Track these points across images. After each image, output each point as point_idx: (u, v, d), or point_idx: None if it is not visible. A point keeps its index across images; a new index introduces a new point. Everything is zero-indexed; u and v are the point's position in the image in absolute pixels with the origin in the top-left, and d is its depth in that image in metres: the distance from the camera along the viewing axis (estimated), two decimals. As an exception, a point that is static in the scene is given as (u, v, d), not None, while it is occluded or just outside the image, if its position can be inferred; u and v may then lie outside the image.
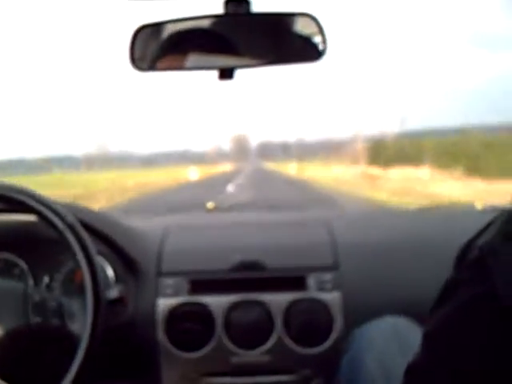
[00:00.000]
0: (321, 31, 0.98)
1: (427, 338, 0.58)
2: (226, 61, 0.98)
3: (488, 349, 0.51)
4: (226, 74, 0.98)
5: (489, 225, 0.58)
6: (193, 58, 0.98)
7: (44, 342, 1.14)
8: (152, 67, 1.00)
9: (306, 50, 1.00)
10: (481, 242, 0.56)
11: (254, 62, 0.99)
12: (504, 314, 0.49)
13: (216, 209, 2.35)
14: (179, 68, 0.99)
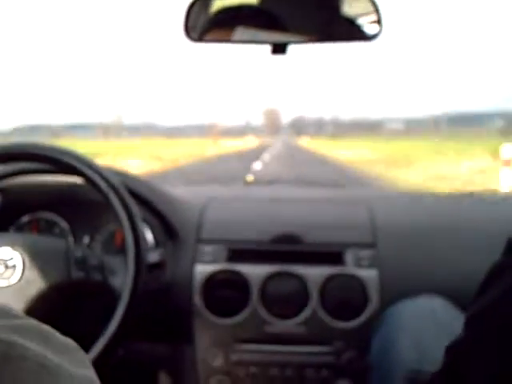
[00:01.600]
0: (376, 11, 0.98)
1: (473, 319, 0.60)
2: (274, 36, 1.00)
3: None
4: (279, 49, 1.00)
5: None
6: (241, 32, 1.00)
7: (86, 296, 1.19)
8: (201, 38, 1.03)
9: (359, 30, 1.01)
10: None
11: (303, 38, 1.01)
12: None
13: (255, 182, 2.39)
14: (227, 41, 1.02)
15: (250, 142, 68.38)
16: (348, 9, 1.01)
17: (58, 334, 0.39)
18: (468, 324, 0.60)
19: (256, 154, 30.92)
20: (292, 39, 1.00)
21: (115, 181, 1.17)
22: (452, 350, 0.62)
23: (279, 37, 1.00)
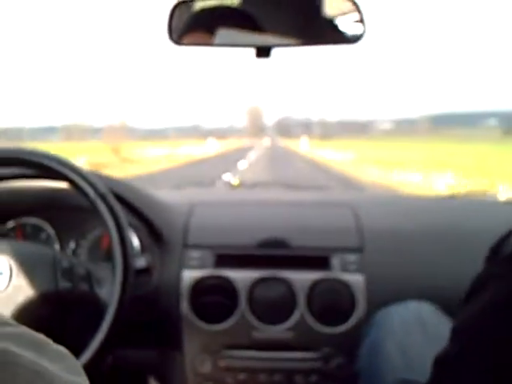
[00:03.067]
0: (359, 14, 1.00)
1: (459, 332, 0.62)
2: (256, 39, 1.01)
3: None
4: (263, 52, 1.02)
5: None
6: (222, 35, 1.02)
7: (72, 306, 1.21)
8: (184, 42, 1.05)
9: (343, 33, 1.03)
10: None
11: (283, 41, 1.02)
12: None
13: (240, 185, 2.42)
14: (209, 44, 1.04)
15: (211, 147, 55.15)
16: (332, 11, 1.03)
17: (51, 342, 0.40)
18: (454, 335, 0.62)
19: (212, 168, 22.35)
20: (274, 42, 1.01)
21: (102, 187, 1.19)
22: (439, 362, 0.63)
23: (261, 39, 1.01)
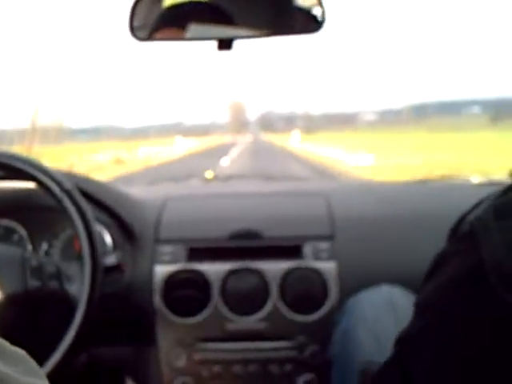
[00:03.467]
0: (320, 3, 1.03)
1: (418, 309, 0.63)
2: (225, 31, 1.04)
3: (473, 322, 0.54)
4: (225, 44, 1.04)
5: (480, 201, 0.62)
6: (191, 29, 1.04)
7: (42, 305, 1.22)
8: (151, 37, 1.07)
9: (305, 22, 1.06)
10: (472, 217, 0.61)
11: (252, 32, 1.05)
12: (490, 287, 0.52)
13: (214, 178, 2.45)
14: (178, 38, 1.05)
15: (179, 147, 45.01)
16: (295, 3, 1.06)
17: (7, 344, 0.40)
18: (416, 312, 0.63)
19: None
20: (245, 34, 1.04)
21: (68, 184, 1.21)
22: (400, 340, 0.64)
23: (232, 32, 1.04)
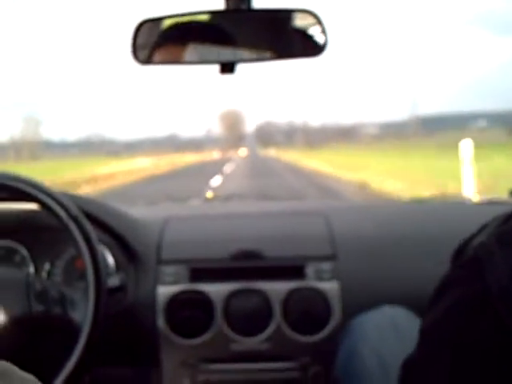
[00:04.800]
0: (321, 27, 1.07)
1: (423, 335, 0.65)
2: (226, 55, 1.07)
3: (480, 349, 0.56)
4: (227, 68, 1.08)
5: (485, 226, 0.65)
6: (192, 52, 1.07)
7: (46, 330, 1.23)
8: (152, 60, 1.10)
9: (306, 46, 1.09)
10: (476, 242, 0.63)
11: (254, 56, 1.08)
12: (496, 314, 0.54)
13: (215, 198, 2.49)
14: (178, 61, 1.09)
15: (141, 165, 37.46)
16: (296, 27, 1.09)
17: (17, 370, 0.41)
18: (419, 339, 0.65)
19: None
20: (245, 57, 1.07)
21: (75, 209, 1.23)
22: (406, 366, 0.66)
23: (232, 55, 1.07)
